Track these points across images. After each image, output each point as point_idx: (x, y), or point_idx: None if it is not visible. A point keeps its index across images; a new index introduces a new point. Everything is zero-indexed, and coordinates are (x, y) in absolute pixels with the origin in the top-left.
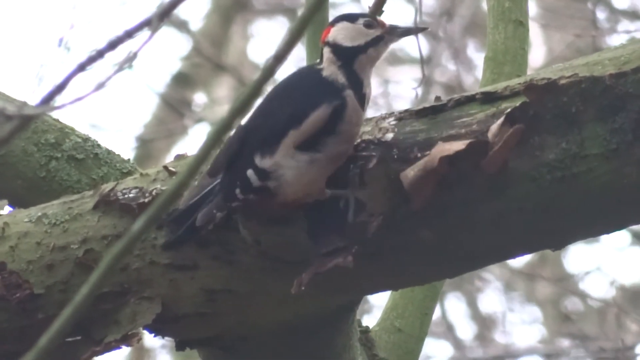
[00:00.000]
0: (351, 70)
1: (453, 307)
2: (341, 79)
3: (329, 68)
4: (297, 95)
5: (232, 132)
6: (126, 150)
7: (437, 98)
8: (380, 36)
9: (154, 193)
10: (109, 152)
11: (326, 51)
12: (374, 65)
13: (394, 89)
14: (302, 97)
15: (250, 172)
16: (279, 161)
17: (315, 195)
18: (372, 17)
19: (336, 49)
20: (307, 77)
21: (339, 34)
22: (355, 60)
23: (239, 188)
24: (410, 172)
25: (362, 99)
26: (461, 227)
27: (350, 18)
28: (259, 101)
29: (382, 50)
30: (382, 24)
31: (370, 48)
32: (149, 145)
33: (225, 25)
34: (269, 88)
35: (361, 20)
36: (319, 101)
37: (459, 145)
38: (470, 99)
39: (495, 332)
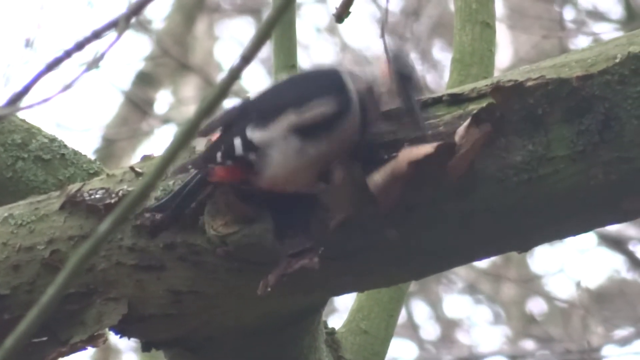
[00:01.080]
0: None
1: (418, 309)
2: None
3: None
4: (309, 83)
5: (239, 102)
6: (90, 149)
7: None
8: None
9: (120, 194)
10: (75, 152)
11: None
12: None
13: None
14: (312, 84)
15: (237, 140)
16: (270, 137)
17: (300, 187)
18: None
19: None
20: (326, 71)
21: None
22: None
23: (221, 152)
24: (378, 178)
25: (366, 112)
26: (427, 227)
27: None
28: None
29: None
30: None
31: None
32: (113, 145)
33: (188, 25)
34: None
35: None
36: (327, 92)
37: (427, 148)
38: (437, 101)
39: (459, 334)
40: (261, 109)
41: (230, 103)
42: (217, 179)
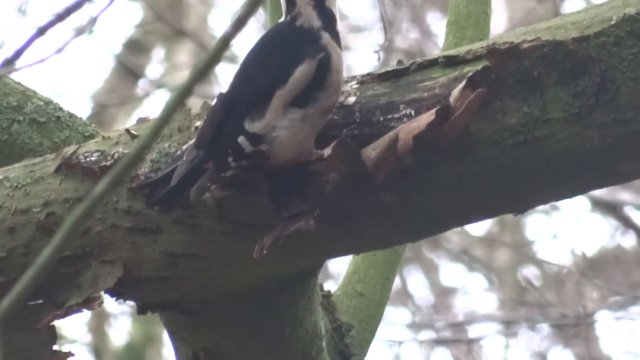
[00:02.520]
0: (323, 7)
1: (412, 275)
2: (316, 22)
3: (304, 11)
4: (278, 53)
5: (214, 102)
6: (83, 115)
7: (400, 62)
8: None
9: (115, 156)
10: (71, 115)
11: None
12: None
13: (354, 56)
14: (283, 54)
15: (241, 139)
16: (270, 122)
17: (306, 155)
18: None
19: None
20: (282, 32)
21: None
22: None
23: (232, 156)
24: (372, 153)
25: (337, 38)
26: (422, 190)
27: None
28: (237, 67)
29: None
30: None
31: None
32: (106, 110)
33: None
34: (241, 52)
35: None
36: (301, 56)
37: (427, 117)
38: (433, 63)
39: (454, 300)
40: (248, 100)
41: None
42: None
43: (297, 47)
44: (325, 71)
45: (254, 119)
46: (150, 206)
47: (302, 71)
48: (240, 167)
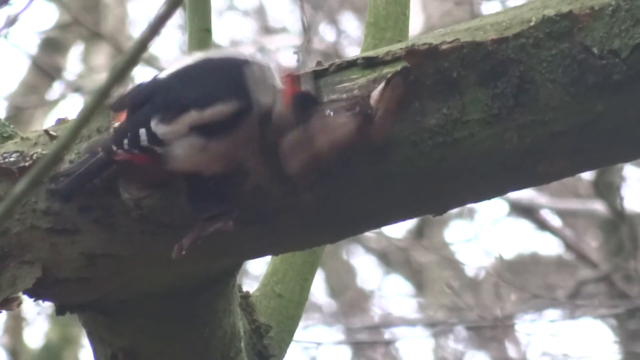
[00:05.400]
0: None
1: (330, 277)
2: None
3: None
4: (216, 78)
5: (148, 80)
6: None
7: (319, 63)
8: None
9: (34, 157)
10: None
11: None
12: None
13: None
14: (218, 81)
15: (142, 131)
16: (172, 133)
17: (211, 172)
18: None
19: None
20: (234, 66)
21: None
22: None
23: (127, 139)
24: (285, 142)
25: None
26: (342, 191)
27: None
28: (187, 59)
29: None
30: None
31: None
32: (22, 112)
33: None
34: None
35: None
36: (230, 94)
37: (347, 125)
38: (352, 64)
39: (372, 303)
40: (167, 100)
41: (142, 71)
42: (123, 160)
43: (232, 86)
44: (239, 119)
45: (162, 120)
46: (53, 196)
47: (221, 110)
48: (131, 152)
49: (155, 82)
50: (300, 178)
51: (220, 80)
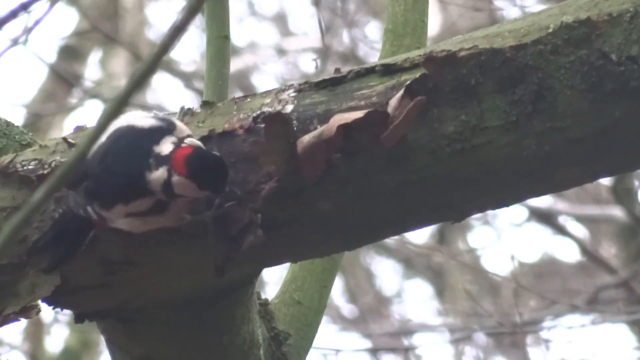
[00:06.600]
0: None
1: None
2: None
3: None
4: (135, 164)
5: (89, 158)
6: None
7: (337, 70)
8: None
9: (53, 165)
10: (8, 124)
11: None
12: None
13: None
14: (136, 172)
15: (89, 209)
16: (113, 215)
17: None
18: None
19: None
20: (148, 143)
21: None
22: None
23: (82, 210)
24: (305, 138)
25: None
26: (360, 198)
27: None
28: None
29: None
30: None
31: None
32: (40, 119)
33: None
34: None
35: None
36: (144, 191)
37: (357, 114)
38: (370, 71)
39: (392, 308)
40: (99, 191)
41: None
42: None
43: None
44: (165, 208)
45: (101, 207)
46: (46, 273)
47: (142, 204)
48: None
49: (86, 163)
50: (312, 176)
51: (136, 172)
